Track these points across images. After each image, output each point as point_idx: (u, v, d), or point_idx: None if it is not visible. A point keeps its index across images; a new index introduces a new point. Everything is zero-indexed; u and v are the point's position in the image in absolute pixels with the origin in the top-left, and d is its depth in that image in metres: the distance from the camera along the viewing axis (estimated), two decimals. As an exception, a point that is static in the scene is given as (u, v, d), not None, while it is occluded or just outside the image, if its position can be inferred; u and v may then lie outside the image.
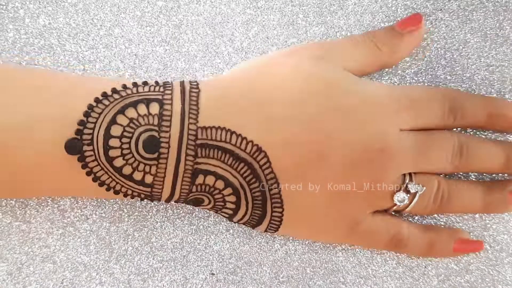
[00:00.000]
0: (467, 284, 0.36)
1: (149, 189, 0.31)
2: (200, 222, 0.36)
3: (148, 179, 0.30)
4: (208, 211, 0.36)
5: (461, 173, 0.36)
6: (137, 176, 0.30)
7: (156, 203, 0.36)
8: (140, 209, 0.36)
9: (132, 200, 0.36)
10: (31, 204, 0.35)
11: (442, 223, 0.36)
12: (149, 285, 0.35)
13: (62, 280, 0.35)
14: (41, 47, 0.35)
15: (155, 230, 0.36)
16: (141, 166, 0.30)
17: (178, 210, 0.36)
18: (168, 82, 0.32)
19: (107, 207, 0.35)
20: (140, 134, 0.30)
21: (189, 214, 0.36)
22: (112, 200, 0.36)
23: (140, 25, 0.36)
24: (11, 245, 0.35)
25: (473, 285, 0.36)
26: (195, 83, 0.32)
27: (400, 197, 0.33)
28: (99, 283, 0.35)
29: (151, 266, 0.35)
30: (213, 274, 0.35)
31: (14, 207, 0.35)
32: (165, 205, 0.36)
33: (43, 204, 0.35)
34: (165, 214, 0.36)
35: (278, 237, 0.36)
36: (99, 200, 0.35)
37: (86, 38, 0.36)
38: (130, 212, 0.36)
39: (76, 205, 0.35)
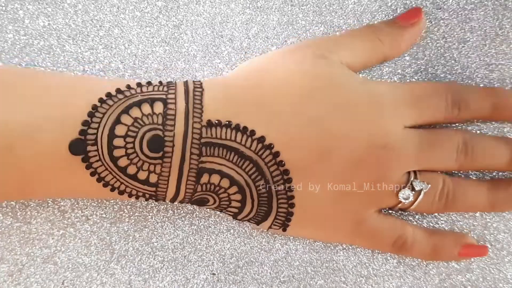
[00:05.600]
0: (468, 283, 0.36)
1: (153, 189, 0.31)
2: (201, 222, 0.36)
3: (153, 178, 0.30)
4: (209, 210, 0.36)
5: (461, 173, 0.37)
6: (142, 175, 0.30)
7: (156, 203, 0.36)
8: (140, 210, 0.36)
9: (133, 200, 0.36)
10: (32, 205, 0.35)
11: (443, 221, 0.36)
12: (150, 286, 0.35)
13: (63, 281, 0.35)
14: (40, 48, 0.35)
15: (155, 230, 0.36)
16: (145, 166, 0.30)
17: (179, 210, 0.36)
18: (171, 82, 0.32)
19: (107, 208, 0.35)
20: (144, 133, 0.30)
21: (189, 214, 0.36)
22: (112, 201, 0.35)
23: (139, 25, 0.36)
24: (11, 246, 0.35)
25: (474, 284, 0.36)
26: (198, 83, 0.32)
27: (405, 194, 0.33)
28: (100, 283, 0.35)
29: (152, 267, 0.35)
30: (214, 274, 0.35)
31: (15, 208, 0.35)
32: (165, 206, 0.36)
33: (43, 205, 0.35)
34: (165, 214, 0.36)
35: (279, 237, 0.36)
36: (99, 200, 0.35)
37: (86, 38, 0.36)
38: (131, 213, 0.36)
39: (77, 206, 0.35)
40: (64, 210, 0.35)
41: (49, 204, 0.35)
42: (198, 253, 0.36)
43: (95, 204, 0.35)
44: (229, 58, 0.36)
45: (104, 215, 0.35)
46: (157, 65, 0.36)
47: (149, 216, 0.36)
